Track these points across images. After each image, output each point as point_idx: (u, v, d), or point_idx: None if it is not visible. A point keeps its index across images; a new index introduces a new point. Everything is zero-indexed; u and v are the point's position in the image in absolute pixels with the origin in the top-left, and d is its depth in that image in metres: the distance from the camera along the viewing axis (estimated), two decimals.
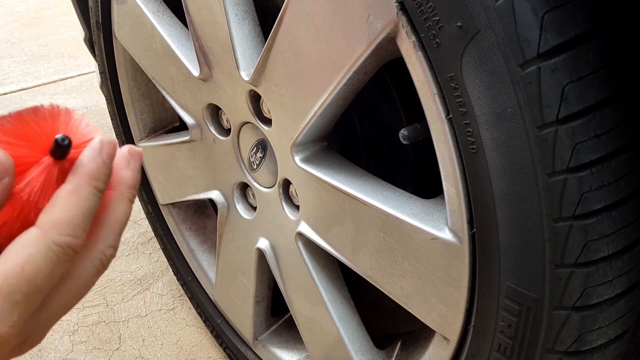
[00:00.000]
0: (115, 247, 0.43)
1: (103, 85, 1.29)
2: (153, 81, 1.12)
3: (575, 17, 0.49)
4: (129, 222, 1.67)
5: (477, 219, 0.60)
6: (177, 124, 1.28)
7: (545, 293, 0.56)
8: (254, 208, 1.03)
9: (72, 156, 0.42)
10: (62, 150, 0.41)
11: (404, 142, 0.71)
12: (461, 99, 0.55)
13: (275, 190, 0.93)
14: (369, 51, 0.64)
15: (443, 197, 0.63)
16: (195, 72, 0.96)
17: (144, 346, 1.44)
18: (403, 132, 0.71)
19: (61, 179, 0.41)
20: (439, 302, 0.68)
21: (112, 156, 0.42)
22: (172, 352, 1.41)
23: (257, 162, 0.96)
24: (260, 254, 1.03)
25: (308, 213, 0.87)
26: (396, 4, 0.57)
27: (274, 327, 1.18)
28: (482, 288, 0.63)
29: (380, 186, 0.76)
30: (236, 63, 0.85)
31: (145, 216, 1.43)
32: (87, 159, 0.41)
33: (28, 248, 0.38)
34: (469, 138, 0.56)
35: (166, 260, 1.42)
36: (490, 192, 0.56)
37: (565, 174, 0.51)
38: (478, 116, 0.54)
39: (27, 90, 2.82)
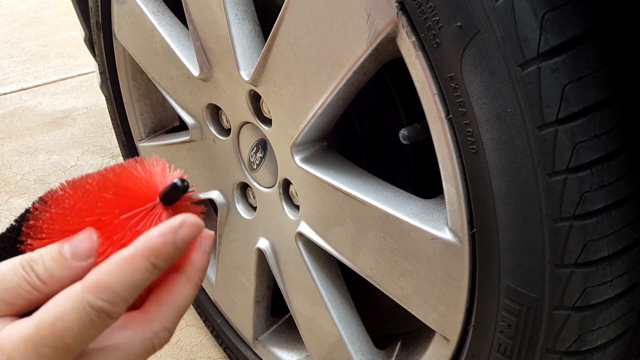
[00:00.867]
0: (171, 331, 0.41)
1: (103, 85, 1.29)
2: (153, 81, 1.12)
3: (575, 17, 0.49)
4: None
5: (477, 219, 0.60)
6: (177, 124, 1.28)
7: (545, 293, 0.56)
8: (254, 208, 1.03)
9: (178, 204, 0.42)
10: (175, 195, 0.40)
11: (404, 142, 0.71)
12: (461, 99, 0.55)
13: (275, 190, 0.93)
14: (369, 51, 0.64)
15: (443, 197, 0.63)
16: (195, 72, 0.96)
17: None
18: (403, 132, 0.71)
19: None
20: (439, 302, 0.68)
21: (187, 240, 0.39)
22: (172, 352, 1.41)
23: (257, 162, 0.96)
24: (260, 254, 1.03)
25: (308, 213, 0.87)
26: (396, 4, 0.57)
27: (274, 327, 1.18)
28: (482, 288, 0.63)
29: (380, 186, 0.76)
30: (236, 63, 0.85)
31: None
32: (157, 231, 0.38)
33: (65, 302, 0.37)
34: (469, 138, 0.56)
35: None
36: (490, 192, 0.56)
37: (565, 174, 0.51)
38: (478, 116, 0.54)
39: (27, 90, 2.82)
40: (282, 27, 0.74)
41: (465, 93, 0.54)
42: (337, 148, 0.86)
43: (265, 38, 0.80)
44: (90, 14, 1.18)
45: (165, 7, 1.04)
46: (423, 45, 0.57)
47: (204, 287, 1.31)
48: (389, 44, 0.61)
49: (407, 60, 0.60)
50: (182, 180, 0.40)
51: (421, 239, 0.67)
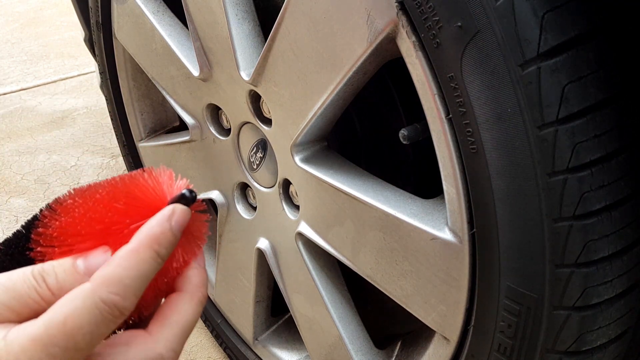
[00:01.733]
0: (177, 352, 0.40)
1: (103, 85, 1.29)
2: (153, 81, 1.12)
3: (575, 17, 0.49)
4: None
5: (477, 219, 0.60)
6: (177, 124, 1.28)
7: (545, 293, 0.56)
8: (254, 208, 1.03)
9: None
10: (186, 204, 0.42)
11: (404, 142, 0.71)
12: (461, 99, 0.55)
13: (275, 190, 0.93)
14: (369, 51, 0.64)
15: (443, 197, 0.63)
16: (195, 72, 0.96)
17: None
18: (403, 132, 0.71)
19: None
20: (439, 302, 0.68)
21: (181, 225, 0.41)
22: None
23: (257, 162, 0.96)
24: (260, 254, 1.03)
25: (308, 213, 0.87)
26: (396, 4, 0.57)
27: (274, 327, 1.18)
28: (482, 288, 0.63)
29: (380, 186, 0.76)
30: (236, 63, 0.85)
31: None
32: (154, 222, 0.40)
33: (75, 301, 0.37)
34: (469, 138, 0.56)
35: None
36: (490, 192, 0.56)
37: (565, 174, 0.51)
38: (478, 116, 0.54)
39: (27, 90, 2.82)
40: (282, 27, 0.74)
41: (465, 93, 0.54)
42: (337, 148, 0.86)
43: (265, 38, 0.80)
44: (90, 14, 1.18)
45: (165, 7, 1.04)
46: (423, 45, 0.57)
47: None
48: (389, 44, 0.61)
49: (407, 60, 0.60)
50: (190, 191, 0.42)
51: (421, 239, 0.67)
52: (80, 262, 0.40)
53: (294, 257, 0.93)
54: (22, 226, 0.43)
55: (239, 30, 0.85)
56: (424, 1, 0.54)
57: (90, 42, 1.27)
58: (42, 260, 0.41)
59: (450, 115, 0.57)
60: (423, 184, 0.83)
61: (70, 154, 2.26)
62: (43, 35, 3.51)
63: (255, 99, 0.88)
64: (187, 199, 0.42)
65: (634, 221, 0.54)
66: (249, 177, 0.99)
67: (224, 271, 1.17)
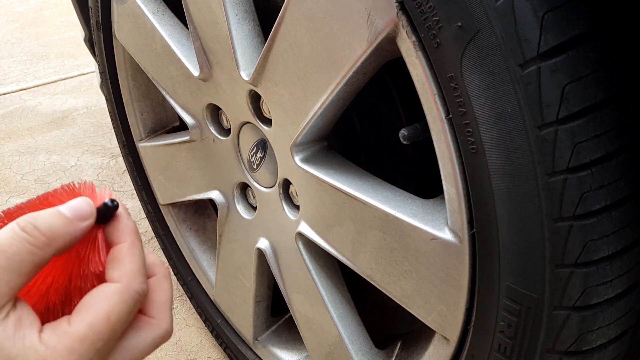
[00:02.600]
0: (172, 326, 0.47)
1: (103, 85, 1.29)
2: (153, 81, 1.12)
3: (575, 17, 0.49)
4: None
5: (477, 219, 0.60)
6: (177, 124, 1.28)
7: (545, 293, 0.56)
8: (254, 208, 1.03)
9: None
10: (107, 214, 0.45)
11: (404, 142, 0.71)
12: (461, 99, 0.55)
13: (275, 190, 0.93)
14: (369, 51, 0.64)
15: (443, 197, 0.63)
16: (195, 72, 0.96)
17: None
18: (403, 132, 0.71)
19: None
20: (439, 302, 0.68)
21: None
22: (172, 352, 1.41)
23: (257, 162, 0.96)
24: (260, 254, 1.03)
25: (308, 213, 0.87)
26: (396, 4, 0.57)
27: (274, 327, 1.18)
28: (482, 288, 0.63)
29: (380, 186, 0.76)
30: (236, 63, 0.85)
31: (145, 216, 1.43)
32: (127, 219, 0.46)
33: (112, 298, 0.42)
34: (469, 138, 0.56)
35: (166, 261, 1.42)
36: (490, 192, 0.56)
37: (565, 174, 0.51)
38: (478, 116, 0.54)
39: (27, 90, 2.82)
40: (282, 27, 0.74)
41: (465, 93, 0.54)
42: (337, 148, 0.86)
43: (265, 38, 0.80)
44: (90, 14, 1.18)
45: (165, 7, 1.04)
46: (423, 45, 0.57)
47: (204, 287, 1.31)
48: (389, 44, 0.61)
49: (407, 60, 0.60)
50: (112, 200, 0.45)
51: (421, 239, 0.67)
52: (64, 209, 0.42)
53: (294, 257, 0.93)
54: None
55: (239, 30, 0.85)
56: (424, 1, 0.54)
57: (90, 42, 1.27)
58: None
59: (450, 115, 0.57)
60: (423, 184, 0.83)
61: (70, 154, 2.26)
62: (43, 35, 3.51)
63: (255, 99, 0.88)
64: (109, 209, 0.44)
65: (634, 221, 0.54)
66: (249, 177, 0.99)
67: (224, 271, 1.17)
